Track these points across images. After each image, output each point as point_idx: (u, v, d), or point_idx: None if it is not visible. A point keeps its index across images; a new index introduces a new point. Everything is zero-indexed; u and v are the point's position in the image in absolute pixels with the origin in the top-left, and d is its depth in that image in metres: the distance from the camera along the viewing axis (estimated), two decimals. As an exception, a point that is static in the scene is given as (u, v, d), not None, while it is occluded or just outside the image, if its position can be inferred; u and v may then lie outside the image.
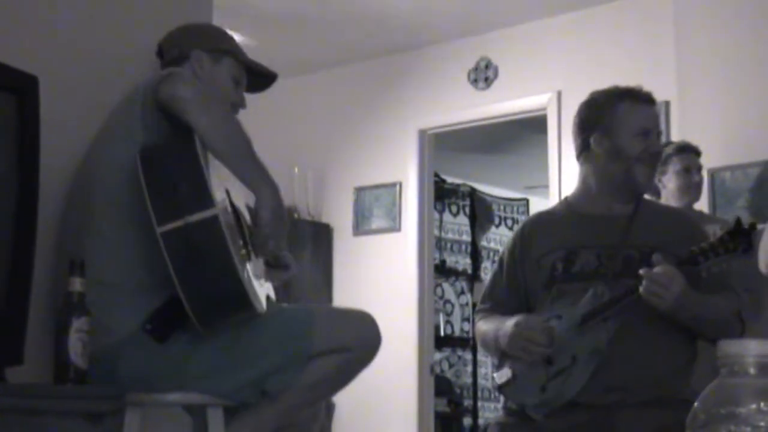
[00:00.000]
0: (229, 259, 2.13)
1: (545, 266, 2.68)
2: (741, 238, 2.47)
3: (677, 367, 2.57)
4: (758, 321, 4.00)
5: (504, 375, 2.64)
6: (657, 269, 2.45)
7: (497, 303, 2.80)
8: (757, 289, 4.04)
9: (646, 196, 2.86)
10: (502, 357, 2.69)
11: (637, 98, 2.70)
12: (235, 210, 2.38)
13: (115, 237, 2.28)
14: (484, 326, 2.76)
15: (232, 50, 2.69)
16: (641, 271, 2.46)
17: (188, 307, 2.16)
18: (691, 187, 4.17)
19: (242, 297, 2.18)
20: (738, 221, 2.52)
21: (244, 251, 2.35)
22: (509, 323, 2.60)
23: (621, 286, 2.53)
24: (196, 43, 2.65)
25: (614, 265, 2.58)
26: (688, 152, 4.22)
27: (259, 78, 2.78)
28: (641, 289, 2.45)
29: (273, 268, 2.71)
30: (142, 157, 2.22)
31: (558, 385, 2.50)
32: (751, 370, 1.07)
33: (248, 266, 2.35)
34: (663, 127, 5.14)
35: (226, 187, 2.37)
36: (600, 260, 2.61)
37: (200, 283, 2.17)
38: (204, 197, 2.15)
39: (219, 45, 2.68)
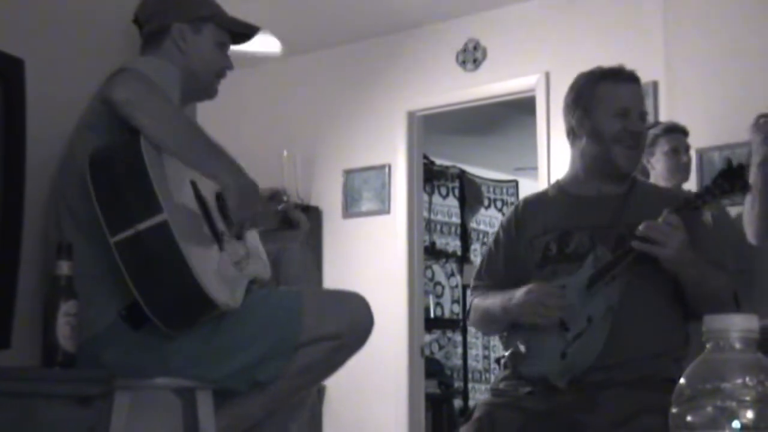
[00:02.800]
0: (183, 263, 2.10)
1: (538, 247, 2.70)
2: (734, 179, 2.48)
3: (666, 349, 2.57)
4: (749, 300, 4.02)
5: (517, 349, 2.63)
6: (659, 219, 2.48)
7: (494, 279, 2.80)
8: (748, 269, 4.07)
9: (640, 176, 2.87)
10: (512, 330, 2.69)
11: (617, 77, 2.69)
12: (203, 201, 2.34)
13: (91, 228, 2.23)
14: (486, 302, 2.75)
15: (213, 16, 2.65)
16: (641, 226, 2.48)
17: (150, 313, 2.15)
18: (679, 168, 4.17)
19: (203, 298, 2.15)
20: (729, 162, 2.55)
21: (215, 241, 2.32)
22: (519, 292, 2.60)
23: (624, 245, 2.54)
24: (176, 15, 2.60)
25: (608, 245, 2.59)
26: (676, 133, 4.22)
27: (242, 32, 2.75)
28: (635, 242, 2.46)
29: (283, 230, 2.71)
30: (90, 162, 2.19)
31: (578, 349, 2.50)
32: (737, 345, 1.07)
33: (222, 256, 2.32)
34: (651, 107, 5.14)
35: (192, 179, 2.32)
36: (593, 241, 2.62)
37: (158, 290, 2.15)
38: (151, 203, 2.11)
39: (199, 13, 2.63)
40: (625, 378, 2.46)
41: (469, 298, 2.87)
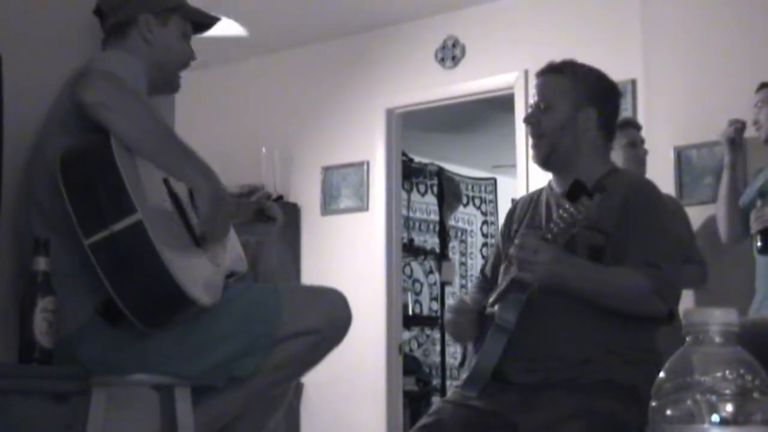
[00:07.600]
0: (160, 263, 2.09)
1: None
2: (577, 200, 2.36)
3: (601, 347, 2.49)
4: (705, 289, 4.12)
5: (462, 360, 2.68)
6: (516, 242, 2.45)
7: (485, 277, 2.84)
8: (704, 260, 4.15)
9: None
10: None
11: (538, 75, 2.90)
12: (177, 199, 2.32)
13: (62, 226, 2.20)
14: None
15: (178, 7, 2.63)
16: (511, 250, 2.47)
17: (128, 313, 2.14)
18: (638, 161, 4.24)
19: (181, 297, 2.14)
20: (574, 184, 2.42)
21: (190, 237, 2.30)
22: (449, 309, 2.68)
23: None
24: (143, 6, 2.57)
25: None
26: (629, 127, 4.30)
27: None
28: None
29: (260, 222, 2.70)
30: (61, 163, 2.16)
31: (475, 363, 2.51)
32: (717, 339, 1.07)
33: (198, 252, 2.31)
34: (629, 105, 5.16)
35: (165, 176, 2.30)
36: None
37: (135, 290, 2.14)
38: (125, 203, 2.09)
39: (165, 4, 2.61)
40: (561, 379, 2.43)
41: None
